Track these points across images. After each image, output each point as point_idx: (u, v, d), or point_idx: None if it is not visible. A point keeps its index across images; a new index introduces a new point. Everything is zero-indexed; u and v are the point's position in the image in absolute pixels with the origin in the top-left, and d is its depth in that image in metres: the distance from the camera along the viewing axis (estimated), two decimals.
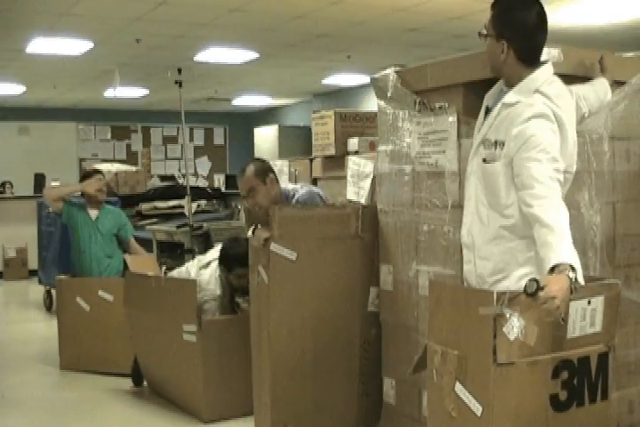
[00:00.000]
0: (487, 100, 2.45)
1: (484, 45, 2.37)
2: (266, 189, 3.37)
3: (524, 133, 2.17)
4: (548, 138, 2.17)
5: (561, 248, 2.03)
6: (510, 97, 2.27)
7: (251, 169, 3.39)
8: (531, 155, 2.14)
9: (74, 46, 7.25)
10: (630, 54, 3.17)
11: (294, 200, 3.44)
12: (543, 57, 2.39)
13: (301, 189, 3.53)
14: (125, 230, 5.24)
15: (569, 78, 2.74)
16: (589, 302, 2.15)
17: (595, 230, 2.72)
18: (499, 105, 2.29)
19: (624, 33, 7.06)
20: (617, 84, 2.83)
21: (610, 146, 2.81)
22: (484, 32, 2.32)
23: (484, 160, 2.28)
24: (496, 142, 2.25)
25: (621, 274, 2.83)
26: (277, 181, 3.47)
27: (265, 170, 3.43)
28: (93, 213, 5.12)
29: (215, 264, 3.92)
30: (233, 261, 3.73)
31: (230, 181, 8.94)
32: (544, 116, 2.19)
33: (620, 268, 2.84)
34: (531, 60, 2.31)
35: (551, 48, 2.60)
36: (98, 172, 5.31)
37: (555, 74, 2.35)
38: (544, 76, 2.30)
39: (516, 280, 2.20)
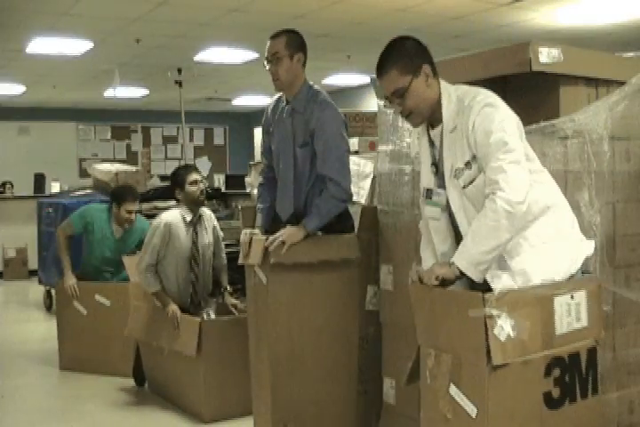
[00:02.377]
0: (420, 136, 2.42)
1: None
2: (290, 64, 3.14)
3: (481, 121, 2.15)
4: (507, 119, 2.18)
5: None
6: (448, 123, 2.25)
7: (283, 38, 3.15)
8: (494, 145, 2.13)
9: (74, 46, 7.25)
10: (630, 54, 3.17)
11: (313, 107, 3.16)
12: (544, 58, 2.40)
13: (319, 99, 3.22)
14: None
15: (569, 78, 2.75)
16: (572, 297, 2.16)
17: (595, 230, 2.72)
18: (443, 134, 2.27)
19: (624, 33, 7.06)
20: (617, 84, 2.84)
21: (610, 146, 2.80)
22: (405, 85, 2.25)
23: (464, 187, 2.21)
24: (467, 164, 2.20)
25: (621, 274, 2.83)
26: (304, 64, 3.22)
27: (298, 45, 3.18)
28: (118, 230, 4.79)
29: None
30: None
31: (230, 181, 8.93)
32: (492, 104, 2.20)
33: (620, 268, 2.84)
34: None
35: (551, 48, 2.61)
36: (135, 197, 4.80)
37: (555, 74, 2.35)
38: (446, 87, 2.32)
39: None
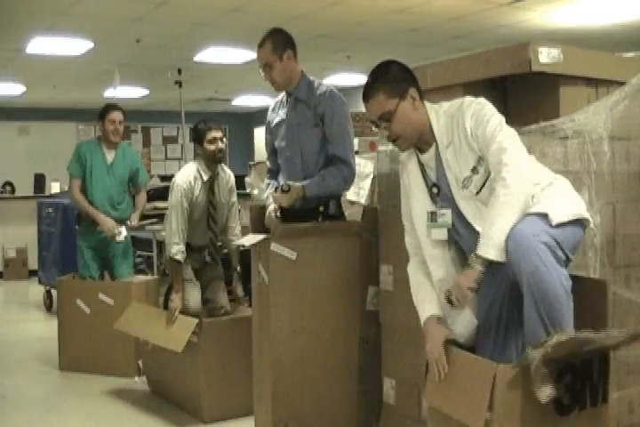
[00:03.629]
0: (404, 166, 2.46)
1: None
2: (282, 66, 3.20)
3: (476, 120, 2.21)
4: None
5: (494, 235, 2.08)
6: (442, 140, 2.28)
7: (268, 45, 3.20)
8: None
9: (74, 46, 7.24)
10: (630, 54, 3.18)
11: (317, 94, 3.23)
12: (544, 58, 2.40)
13: (324, 86, 3.30)
14: (138, 175, 4.99)
15: (569, 78, 2.75)
16: None
17: (595, 230, 2.72)
18: (439, 153, 2.30)
19: (624, 33, 7.06)
20: (617, 84, 2.84)
21: (610, 146, 2.80)
22: (392, 108, 2.28)
23: (478, 192, 2.22)
24: (473, 169, 2.22)
25: (621, 274, 2.84)
26: (295, 57, 3.26)
27: (284, 44, 3.22)
28: (110, 154, 4.85)
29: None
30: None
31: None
32: (479, 102, 2.26)
33: (620, 268, 2.84)
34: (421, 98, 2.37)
35: (551, 48, 2.61)
36: (117, 109, 4.93)
37: (555, 74, 2.35)
38: (432, 107, 2.36)
39: None
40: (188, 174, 3.99)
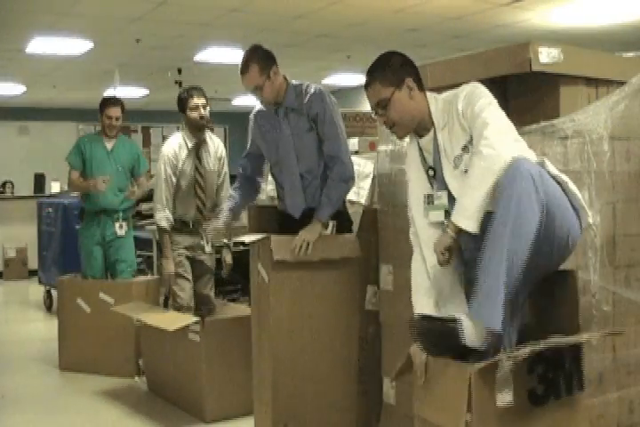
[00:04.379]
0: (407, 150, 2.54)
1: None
2: (271, 84, 3.16)
3: (467, 99, 2.28)
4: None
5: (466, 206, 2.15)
6: (439, 123, 2.36)
7: (254, 68, 3.14)
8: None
9: (74, 46, 7.24)
10: (630, 54, 3.17)
11: (307, 97, 3.20)
12: (544, 58, 2.41)
13: (312, 87, 3.26)
14: (139, 162, 5.01)
15: (569, 78, 2.75)
16: None
17: (595, 230, 2.72)
18: (436, 135, 2.36)
19: (624, 33, 7.06)
20: (617, 84, 2.84)
21: (610, 146, 2.81)
22: (387, 96, 2.37)
23: (466, 171, 2.25)
24: (464, 148, 2.27)
25: (621, 274, 2.84)
26: (278, 68, 3.22)
27: (268, 62, 3.17)
28: (109, 143, 4.90)
29: None
30: None
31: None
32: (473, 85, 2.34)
33: (620, 268, 2.84)
34: (421, 87, 2.44)
35: (551, 48, 2.61)
36: (114, 104, 4.93)
37: (555, 74, 2.35)
38: (432, 95, 2.44)
39: None
40: (173, 143, 4.09)
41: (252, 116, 3.47)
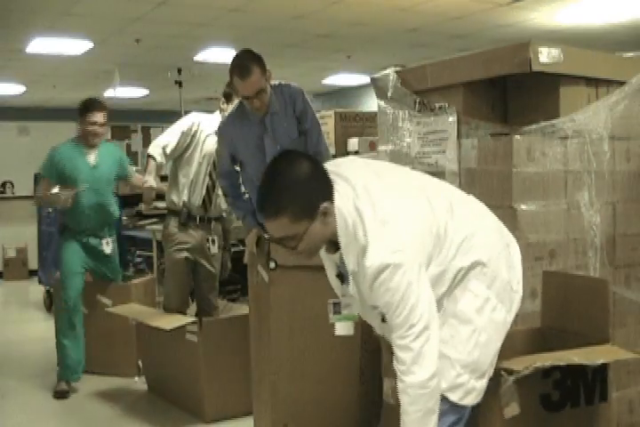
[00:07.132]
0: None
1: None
2: (268, 86, 3.13)
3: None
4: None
5: None
6: (349, 264, 1.88)
7: (256, 70, 3.03)
8: None
9: (74, 46, 7.24)
10: (630, 54, 3.17)
11: (289, 95, 3.19)
12: (544, 58, 2.41)
13: (289, 85, 3.25)
14: (124, 166, 4.52)
15: (569, 78, 2.75)
16: None
17: (595, 230, 2.72)
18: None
19: (624, 33, 7.06)
20: (617, 84, 2.84)
21: (610, 146, 2.81)
22: (298, 232, 1.82)
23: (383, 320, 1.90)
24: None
25: (621, 274, 2.84)
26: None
27: (263, 63, 3.11)
28: (92, 155, 4.29)
29: None
30: None
31: None
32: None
33: (620, 268, 2.84)
34: None
35: (551, 48, 2.60)
36: (98, 109, 4.24)
37: (555, 74, 2.34)
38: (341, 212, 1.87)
39: None
40: (215, 122, 3.87)
41: (221, 131, 3.33)
